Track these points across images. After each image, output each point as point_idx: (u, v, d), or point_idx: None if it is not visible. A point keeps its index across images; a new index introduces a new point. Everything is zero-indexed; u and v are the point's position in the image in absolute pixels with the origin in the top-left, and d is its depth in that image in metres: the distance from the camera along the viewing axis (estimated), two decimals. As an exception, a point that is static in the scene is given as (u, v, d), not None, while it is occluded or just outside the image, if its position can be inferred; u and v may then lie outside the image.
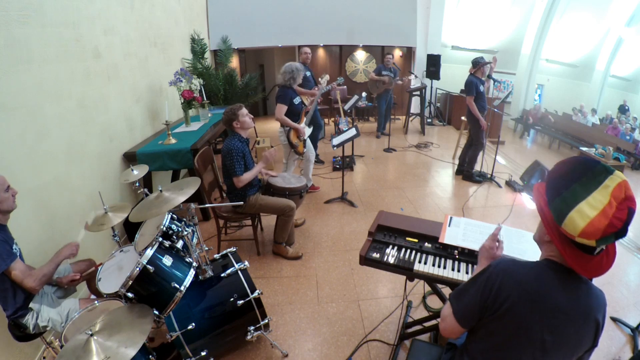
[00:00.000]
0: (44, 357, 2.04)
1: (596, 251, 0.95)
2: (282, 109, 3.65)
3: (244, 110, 2.79)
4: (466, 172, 4.90)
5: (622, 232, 0.90)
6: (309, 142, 4.01)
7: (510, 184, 4.64)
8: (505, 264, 1.07)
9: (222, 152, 2.77)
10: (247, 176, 2.78)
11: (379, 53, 8.56)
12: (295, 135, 3.77)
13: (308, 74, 5.02)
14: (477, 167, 5.05)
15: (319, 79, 4.54)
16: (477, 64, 4.51)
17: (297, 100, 3.76)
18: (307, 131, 3.93)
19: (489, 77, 4.82)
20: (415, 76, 7.65)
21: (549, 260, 1.04)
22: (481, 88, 4.53)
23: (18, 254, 1.68)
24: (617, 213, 0.89)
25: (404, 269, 1.75)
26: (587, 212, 0.91)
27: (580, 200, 0.93)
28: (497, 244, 1.32)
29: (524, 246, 1.71)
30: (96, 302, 1.88)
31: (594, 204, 0.91)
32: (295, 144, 3.76)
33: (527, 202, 4.25)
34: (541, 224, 1.07)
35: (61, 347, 1.60)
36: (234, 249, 2.27)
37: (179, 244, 1.97)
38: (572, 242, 0.95)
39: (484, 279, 1.06)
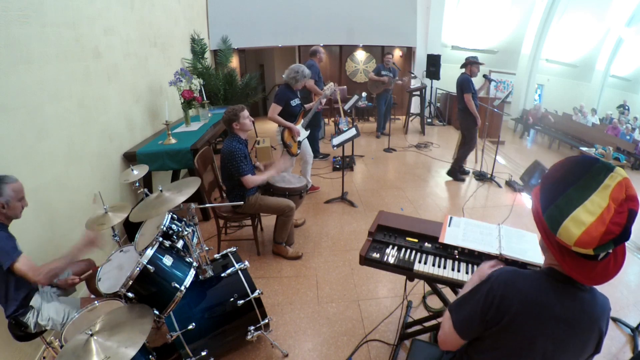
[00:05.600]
0: (44, 357, 2.04)
1: (600, 256, 0.88)
2: (275, 109, 3.63)
3: (246, 112, 2.79)
4: (451, 168, 4.88)
5: (622, 237, 0.83)
6: (305, 143, 3.99)
7: (510, 184, 4.64)
8: (506, 275, 1.03)
9: (222, 154, 2.76)
10: (258, 179, 2.78)
11: (379, 53, 8.55)
12: (289, 136, 3.74)
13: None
14: (477, 167, 5.06)
15: (324, 87, 4.44)
16: (466, 60, 4.54)
17: (294, 102, 3.73)
18: (304, 134, 3.89)
19: (485, 76, 4.82)
20: (415, 76, 7.65)
21: (550, 268, 1.00)
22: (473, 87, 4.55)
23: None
24: (615, 218, 0.82)
25: (404, 269, 1.75)
26: (584, 218, 0.84)
27: (576, 206, 0.86)
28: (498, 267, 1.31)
29: (524, 246, 1.71)
30: (96, 302, 1.88)
31: (592, 209, 0.84)
32: (289, 144, 3.72)
33: (527, 202, 4.25)
34: None
35: (61, 347, 1.59)
36: (234, 249, 2.26)
37: (179, 244, 1.97)
38: (571, 251, 0.89)
39: (484, 292, 1.03)
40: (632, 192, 0.84)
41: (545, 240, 0.97)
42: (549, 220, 0.92)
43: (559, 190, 0.91)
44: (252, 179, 2.74)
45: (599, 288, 1.04)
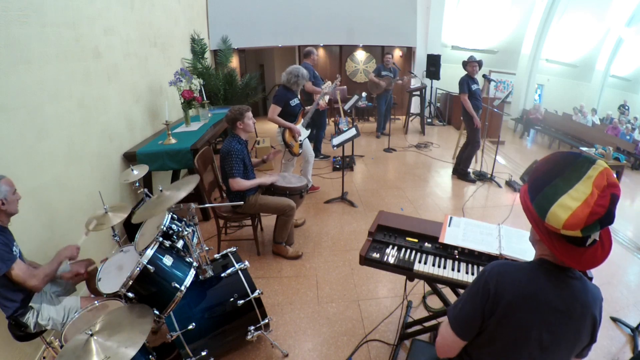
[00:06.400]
0: (44, 357, 2.04)
1: (588, 242, 0.93)
2: (275, 109, 3.65)
3: (250, 114, 2.82)
4: (461, 170, 4.90)
5: (606, 219, 0.88)
6: (307, 142, 4.00)
7: (510, 184, 4.64)
8: (498, 267, 1.06)
9: (221, 153, 2.77)
10: (246, 183, 2.78)
11: (379, 53, 8.55)
12: (290, 136, 3.76)
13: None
14: (477, 167, 5.05)
15: (322, 86, 4.57)
16: (465, 60, 4.60)
17: (294, 102, 3.75)
18: (304, 133, 3.91)
19: (485, 76, 4.82)
20: (415, 76, 7.65)
21: (542, 259, 1.04)
22: (473, 87, 4.55)
23: (18, 255, 1.68)
24: (599, 200, 0.88)
25: (404, 269, 1.75)
26: (570, 204, 0.90)
27: (562, 194, 0.92)
28: None
29: (524, 246, 1.71)
30: (96, 302, 1.88)
31: (577, 196, 0.90)
32: (290, 144, 3.74)
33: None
34: None
35: (61, 347, 1.59)
36: (234, 249, 2.26)
37: (180, 244, 1.97)
38: (561, 236, 0.94)
39: (480, 284, 1.06)
40: (613, 180, 0.90)
41: (535, 229, 1.02)
42: (537, 208, 0.98)
43: (546, 181, 0.98)
44: (240, 182, 2.74)
45: (599, 284, 1.07)
